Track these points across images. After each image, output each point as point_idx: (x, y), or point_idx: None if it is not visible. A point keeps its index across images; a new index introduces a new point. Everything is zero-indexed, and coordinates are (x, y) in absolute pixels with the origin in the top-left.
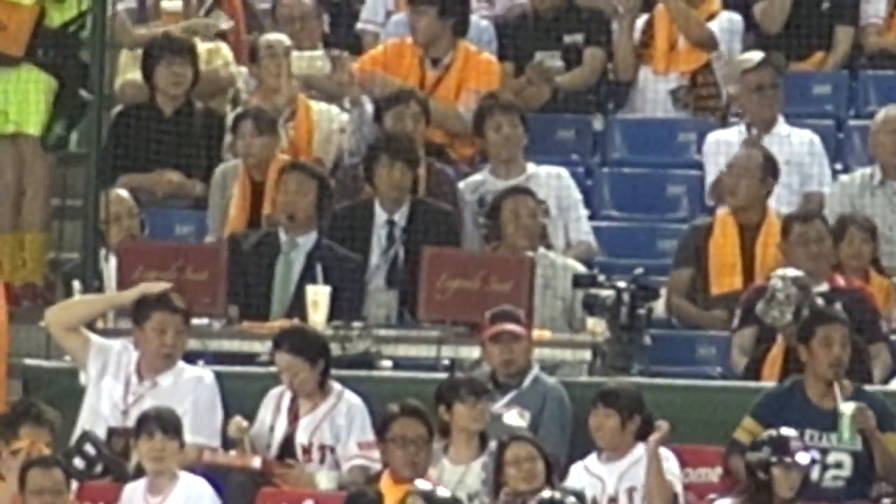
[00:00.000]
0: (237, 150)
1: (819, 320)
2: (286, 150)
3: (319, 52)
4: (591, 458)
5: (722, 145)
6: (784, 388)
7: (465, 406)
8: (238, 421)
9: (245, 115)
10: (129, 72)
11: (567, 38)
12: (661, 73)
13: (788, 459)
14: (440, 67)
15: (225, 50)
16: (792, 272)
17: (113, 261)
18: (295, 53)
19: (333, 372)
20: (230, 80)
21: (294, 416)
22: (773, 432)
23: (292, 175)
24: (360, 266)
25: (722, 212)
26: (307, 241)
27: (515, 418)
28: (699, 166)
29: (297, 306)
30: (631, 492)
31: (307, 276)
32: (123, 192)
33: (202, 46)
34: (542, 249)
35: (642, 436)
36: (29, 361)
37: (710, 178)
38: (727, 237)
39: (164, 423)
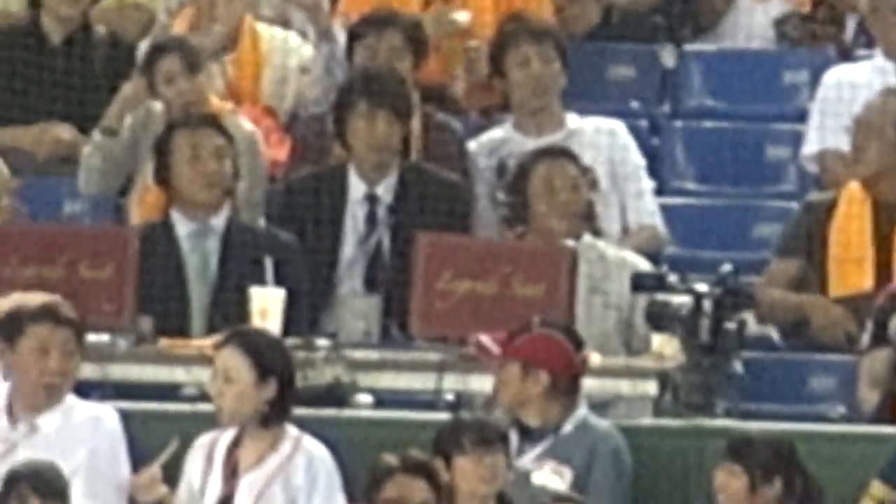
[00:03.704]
0: (155, 92)
1: None
2: (223, 95)
3: None
4: None
5: (846, 87)
6: None
7: (469, 460)
8: (151, 475)
9: (165, 49)
10: None
11: None
12: None
13: None
14: None
15: None
16: None
17: None
18: None
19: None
20: (149, 18)
21: (232, 472)
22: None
23: (204, 134)
24: (299, 251)
25: (853, 184)
26: (218, 222)
27: (550, 478)
28: None
29: (221, 315)
30: None
31: (230, 273)
32: None
33: None
34: (587, 237)
35: None
36: None
37: (813, 133)
38: (856, 220)
39: (44, 483)
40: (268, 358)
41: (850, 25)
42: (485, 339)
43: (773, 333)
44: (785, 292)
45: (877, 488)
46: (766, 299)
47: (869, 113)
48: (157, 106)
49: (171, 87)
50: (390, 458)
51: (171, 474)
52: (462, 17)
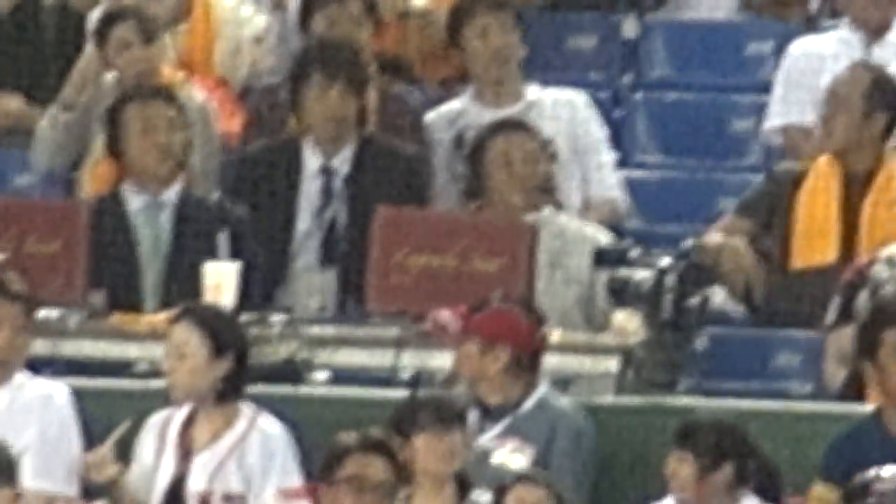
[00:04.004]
0: (107, 62)
1: (886, 320)
2: (175, 66)
3: None
4: None
5: (812, 59)
6: (859, 426)
7: (428, 438)
8: (103, 455)
9: (119, 17)
10: None
11: None
12: None
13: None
14: None
15: None
16: None
17: None
18: None
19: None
20: None
21: (186, 452)
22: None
23: (157, 105)
24: (253, 224)
25: (823, 158)
26: (171, 196)
27: (511, 456)
28: None
29: (174, 290)
30: None
31: (183, 247)
32: None
33: None
34: (548, 210)
35: (762, 492)
36: None
37: (777, 106)
38: (823, 193)
39: None
40: (222, 333)
41: None
42: (443, 315)
43: (737, 309)
44: (711, 235)
45: (820, 491)
46: (696, 242)
47: (837, 85)
48: (109, 77)
49: (125, 55)
50: (348, 437)
51: (124, 453)
52: (419, 2)
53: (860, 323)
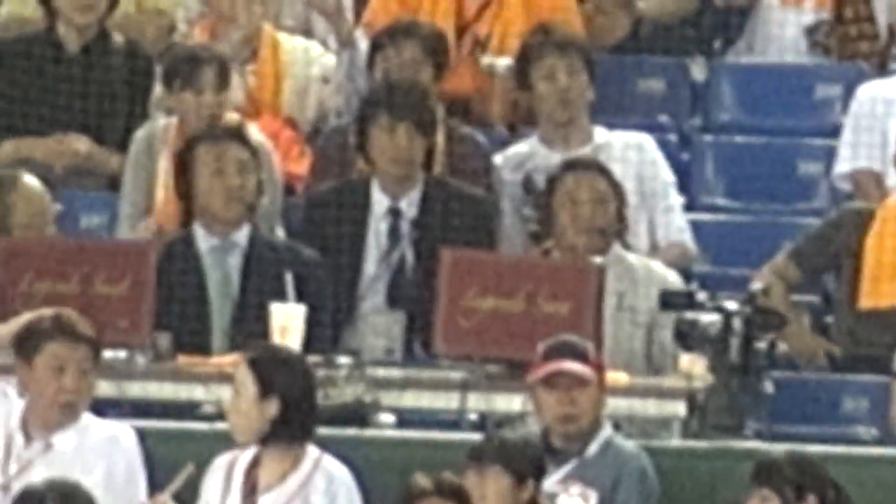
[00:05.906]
0: (171, 106)
1: None
2: (241, 107)
3: None
4: None
5: (879, 103)
6: None
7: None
8: (164, 502)
9: (202, 60)
10: None
11: None
12: (792, 2)
13: None
14: None
15: None
16: None
17: None
18: None
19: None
20: (168, 26)
21: (250, 492)
22: None
23: (229, 148)
24: (322, 266)
25: (892, 199)
26: (240, 237)
27: (576, 500)
28: None
29: (243, 332)
30: None
31: (252, 289)
32: (31, 180)
33: None
34: (616, 249)
35: None
36: None
37: (845, 150)
38: (891, 235)
39: (64, 501)
40: (271, 375)
41: (884, 35)
42: (571, 365)
43: None
44: (761, 275)
45: None
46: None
47: None
48: (171, 119)
49: (199, 98)
50: (423, 480)
51: (189, 497)
52: (503, 63)
53: None
